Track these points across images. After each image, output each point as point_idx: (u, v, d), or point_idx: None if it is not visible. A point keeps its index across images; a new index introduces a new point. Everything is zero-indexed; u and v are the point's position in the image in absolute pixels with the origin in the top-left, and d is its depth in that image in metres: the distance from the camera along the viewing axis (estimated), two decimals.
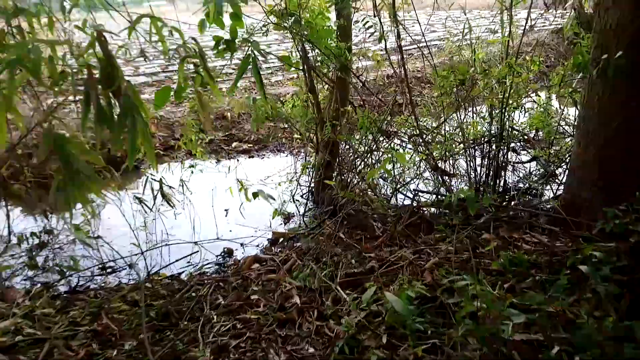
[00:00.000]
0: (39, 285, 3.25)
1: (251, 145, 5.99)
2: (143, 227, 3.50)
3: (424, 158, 3.32)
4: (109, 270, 3.39)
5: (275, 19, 3.57)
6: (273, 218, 3.18)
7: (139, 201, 3.13)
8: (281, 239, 3.59)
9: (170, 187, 3.47)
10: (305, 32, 3.51)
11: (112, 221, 3.76)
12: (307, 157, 4.28)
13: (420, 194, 3.28)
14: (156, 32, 1.63)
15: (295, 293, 2.49)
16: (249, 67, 2.43)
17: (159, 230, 3.65)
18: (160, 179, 3.38)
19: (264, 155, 5.86)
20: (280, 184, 4.10)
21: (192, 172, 3.69)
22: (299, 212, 4.17)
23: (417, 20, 3.66)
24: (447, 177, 3.40)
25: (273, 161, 5.63)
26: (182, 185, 3.64)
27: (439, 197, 3.21)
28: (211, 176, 4.80)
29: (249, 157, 5.73)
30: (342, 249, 2.99)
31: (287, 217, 4.02)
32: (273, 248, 3.44)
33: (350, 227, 3.36)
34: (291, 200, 4.40)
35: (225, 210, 4.18)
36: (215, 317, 2.38)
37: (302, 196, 4.44)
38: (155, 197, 3.27)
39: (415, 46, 4.13)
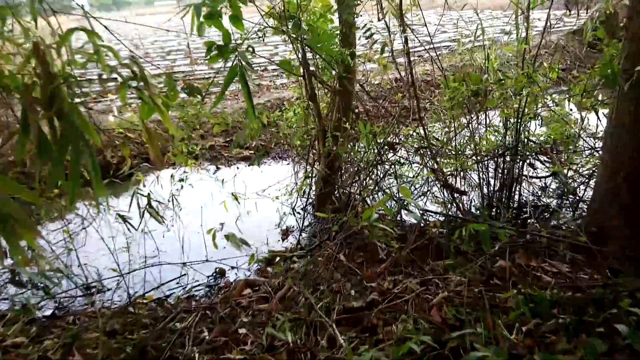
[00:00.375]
0: (18, 306, 3.05)
1: (252, 152, 5.76)
2: (126, 247, 3.28)
3: (432, 175, 3.05)
4: (93, 290, 3.18)
5: (274, 22, 3.33)
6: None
7: (123, 220, 2.91)
8: (278, 258, 3.35)
9: (159, 202, 3.24)
10: (306, 37, 3.26)
11: (101, 235, 3.54)
12: (307, 167, 4.03)
13: (428, 213, 3.01)
14: (95, 50, 1.39)
15: (288, 328, 2.24)
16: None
17: (147, 248, 3.43)
18: (149, 194, 3.15)
19: (265, 162, 5.62)
20: (279, 197, 3.85)
21: (181, 187, 3.46)
22: (299, 225, 3.93)
23: (425, 24, 3.39)
24: (458, 195, 3.13)
25: (274, 169, 5.39)
26: (173, 200, 3.41)
27: (450, 217, 2.93)
28: (208, 186, 4.58)
29: (250, 165, 5.49)
30: (342, 274, 2.74)
31: (286, 233, 3.77)
32: (268, 268, 3.19)
33: (352, 247, 3.10)
34: (291, 212, 4.16)
35: (221, 224, 3.95)
36: (197, 355, 2.14)
37: (302, 209, 4.19)
38: (142, 215, 3.04)
39: (425, 48, 3.84)
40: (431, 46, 4.29)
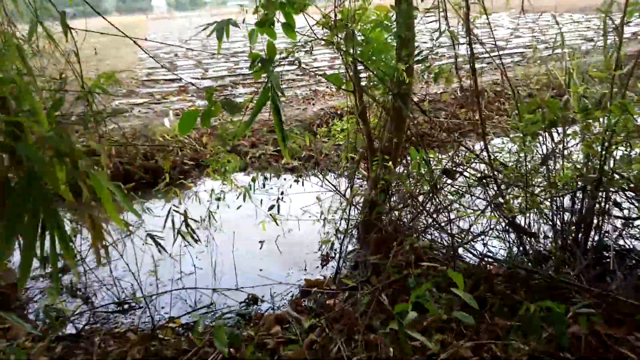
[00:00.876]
0: (52, 314, 3.03)
1: (302, 162, 5.55)
2: (163, 261, 3.16)
3: (497, 218, 2.64)
4: (125, 307, 3.10)
5: (323, 31, 3.08)
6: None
7: (154, 241, 2.79)
8: (314, 289, 3.09)
9: (195, 220, 3.10)
10: (358, 49, 2.97)
11: (138, 250, 3.45)
12: (352, 189, 3.74)
13: (489, 257, 2.60)
14: None
15: None
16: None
17: (183, 264, 3.31)
18: (185, 211, 3.01)
19: (314, 174, 5.39)
20: (320, 220, 3.58)
21: (217, 207, 3.30)
22: (340, 252, 3.66)
23: (492, 30, 2.96)
24: (526, 237, 2.69)
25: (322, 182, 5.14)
26: (209, 217, 3.25)
27: (515, 267, 2.51)
28: (254, 197, 4.40)
29: (298, 177, 5.28)
30: (382, 321, 2.43)
31: (326, 258, 3.51)
32: (304, 301, 2.94)
33: (397, 287, 2.76)
34: (335, 235, 3.88)
35: (260, 242, 3.76)
36: None
37: (346, 230, 3.90)
38: (175, 237, 2.91)
39: (491, 55, 3.39)
40: (502, 53, 3.83)
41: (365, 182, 4.27)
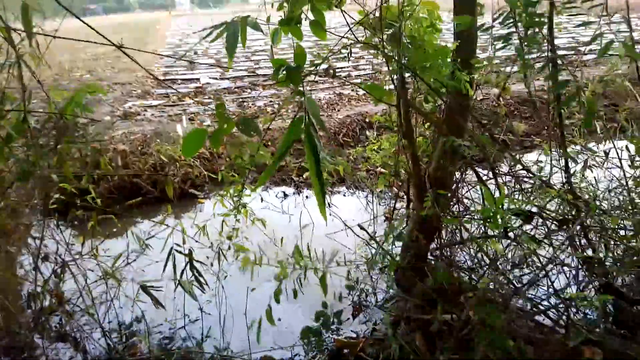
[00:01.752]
0: None
1: (326, 178, 4.96)
2: (152, 312, 2.62)
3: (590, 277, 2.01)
4: None
5: (363, 31, 2.49)
6: None
7: (147, 294, 2.24)
8: (346, 350, 2.50)
9: (200, 262, 2.55)
10: (406, 55, 2.37)
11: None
12: (394, 201, 3.13)
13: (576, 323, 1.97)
14: None
15: None
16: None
17: (187, 306, 2.76)
18: (190, 251, 2.46)
19: (339, 192, 4.81)
20: (350, 275, 2.98)
21: (229, 246, 2.72)
22: (375, 293, 3.07)
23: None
24: (625, 303, 2.06)
25: (348, 203, 4.54)
26: (219, 257, 2.69)
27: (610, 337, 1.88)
28: (269, 222, 3.84)
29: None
30: None
31: (358, 308, 2.91)
32: None
33: (454, 346, 2.16)
34: (367, 272, 3.28)
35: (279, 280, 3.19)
36: None
37: (382, 269, 3.30)
38: (176, 285, 2.36)
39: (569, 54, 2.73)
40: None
41: (399, 201, 3.65)
